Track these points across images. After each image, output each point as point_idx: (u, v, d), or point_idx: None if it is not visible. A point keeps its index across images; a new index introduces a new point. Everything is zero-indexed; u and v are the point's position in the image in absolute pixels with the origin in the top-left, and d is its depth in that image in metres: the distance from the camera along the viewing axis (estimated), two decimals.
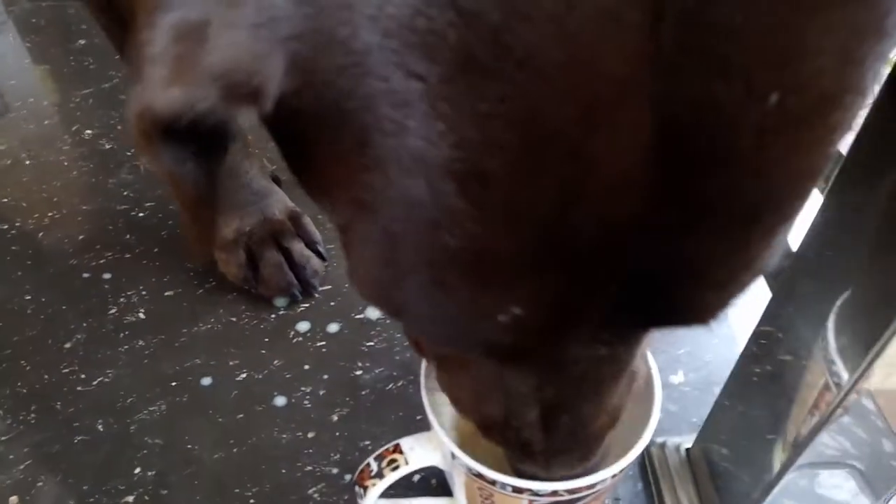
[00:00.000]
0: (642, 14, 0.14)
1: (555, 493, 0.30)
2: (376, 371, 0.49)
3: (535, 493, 0.30)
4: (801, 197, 0.19)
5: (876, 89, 0.22)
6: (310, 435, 0.45)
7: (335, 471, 0.44)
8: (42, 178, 0.62)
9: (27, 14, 0.82)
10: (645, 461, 0.44)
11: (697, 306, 0.21)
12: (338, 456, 0.44)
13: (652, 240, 0.18)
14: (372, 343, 0.50)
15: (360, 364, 0.49)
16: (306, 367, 0.49)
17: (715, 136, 0.16)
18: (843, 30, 0.15)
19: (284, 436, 0.45)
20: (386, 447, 0.34)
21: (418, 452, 0.33)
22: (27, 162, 0.63)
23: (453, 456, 0.31)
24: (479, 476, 0.31)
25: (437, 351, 0.29)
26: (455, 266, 0.19)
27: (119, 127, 0.66)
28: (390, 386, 0.48)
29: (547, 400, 0.26)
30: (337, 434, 0.45)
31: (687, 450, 0.42)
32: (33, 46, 0.77)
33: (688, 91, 0.15)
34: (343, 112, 0.17)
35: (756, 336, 0.34)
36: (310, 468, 0.44)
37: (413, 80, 0.15)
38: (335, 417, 0.46)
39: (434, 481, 0.42)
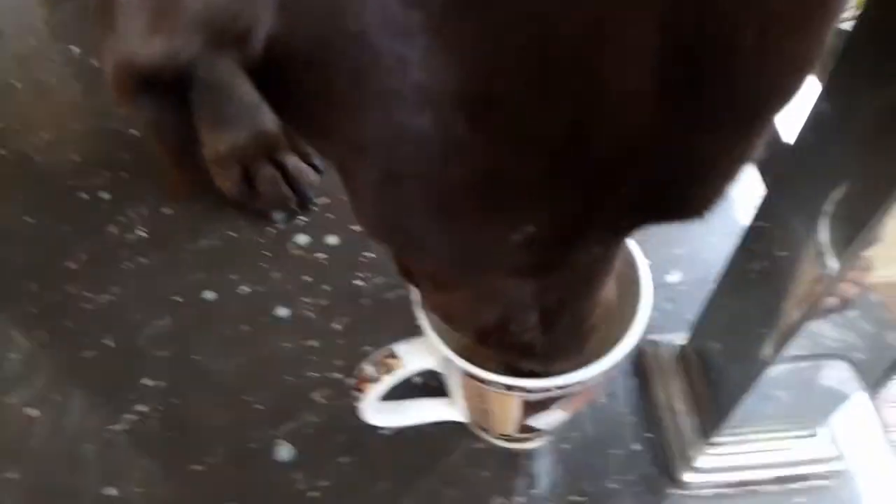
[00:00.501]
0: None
1: (546, 389, 0.31)
2: (376, 281, 0.49)
3: (527, 391, 0.31)
4: (798, 86, 0.19)
5: None
6: (313, 343, 0.47)
7: (338, 376, 0.45)
8: (33, 100, 0.61)
9: None
10: (639, 359, 0.45)
11: (696, 201, 0.21)
12: (341, 362, 0.46)
13: (659, 146, 0.18)
14: (371, 254, 0.51)
15: (359, 274, 0.50)
16: (307, 278, 0.50)
17: (718, 37, 0.16)
18: None
19: (288, 345, 0.47)
20: (381, 352, 0.35)
21: (413, 357, 0.34)
22: (18, 85, 0.63)
23: (447, 360, 0.32)
24: (472, 377, 0.31)
25: (436, 280, 0.29)
26: (466, 195, 0.19)
27: None
28: (390, 294, 0.49)
29: (548, 303, 0.27)
30: (339, 342, 0.47)
31: (681, 347, 0.43)
32: None
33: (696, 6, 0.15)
34: (336, 50, 0.16)
35: (750, 232, 0.34)
36: (313, 374, 0.45)
37: (412, 9, 0.15)
38: (337, 326, 0.47)
39: (435, 384, 0.44)
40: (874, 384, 0.39)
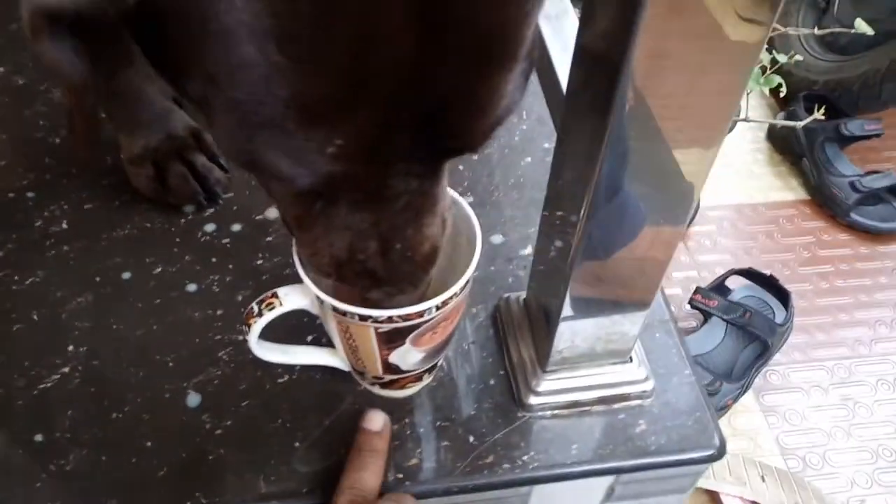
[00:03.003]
0: None
1: (390, 318, 0.39)
2: (274, 260, 0.57)
3: (375, 320, 0.39)
4: (518, 38, 0.27)
5: None
6: (218, 312, 0.54)
7: (240, 338, 0.52)
8: None
9: None
10: (495, 312, 0.54)
11: (468, 134, 0.30)
12: (242, 326, 0.53)
13: (424, 77, 0.26)
14: (270, 238, 0.59)
15: (260, 255, 0.58)
16: (213, 259, 0.57)
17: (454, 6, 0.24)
18: None
19: (197, 314, 0.54)
20: (265, 294, 0.43)
21: (291, 297, 0.42)
22: None
23: (318, 299, 0.40)
24: (336, 310, 0.40)
25: (293, 212, 0.37)
26: (287, 112, 0.26)
27: (30, 64, 0.72)
28: (287, 271, 0.56)
29: (383, 232, 0.34)
30: (241, 309, 0.54)
31: (524, 300, 0.53)
32: None
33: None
34: (188, 3, 0.24)
35: (548, 216, 0.44)
36: (219, 337, 0.53)
37: None
38: (239, 297, 0.55)
39: (324, 342, 0.51)
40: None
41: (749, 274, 1.22)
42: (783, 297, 1.20)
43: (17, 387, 0.50)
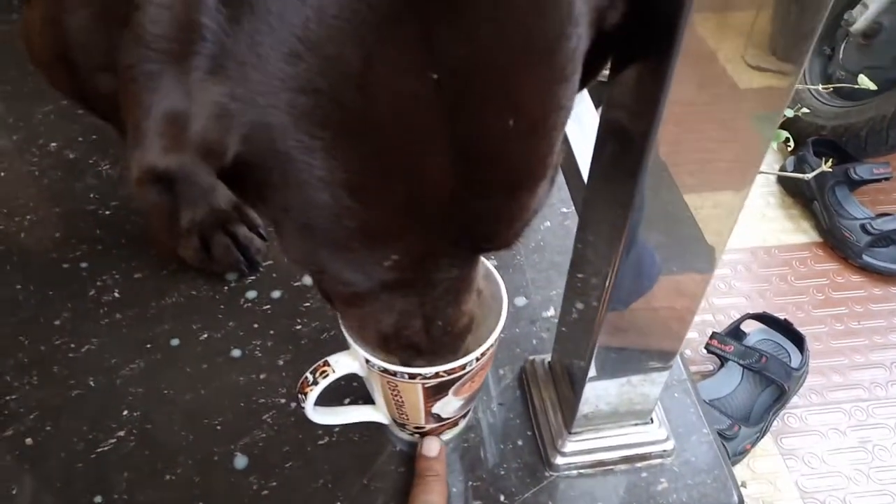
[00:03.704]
0: (438, 109, 0.27)
1: (437, 374, 0.43)
2: (312, 325, 0.61)
3: (424, 377, 0.43)
4: (544, 166, 0.32)
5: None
6: (262, 376, 0.58)
7: (283, 401, 0.56)
8: (17, 187, 0.72)
9: None
10: (521, 374, 0.57)
11: (500, 238, 0.34)
12: (284, 390, 0.57)
13: (464, 205, 0.31)
14: (308, 304, 0.62)
15: (299, 321, 0.61)
16: (255, 325, 0.61)
17: (485, 145, 0.29)
18: (538, 95, 0.28)
19: (241, 378, 0.58)
20: (318, 363, 0.46)
21: (342, 363, 0.46)
22: (2, 174, 0.73)
23: (367, 361, 0.44)
24: (385, 371, 0.43)
25: (345, 299, 0.41)
26: (353, 237, 0.31)
27: (80, 139, 0.77)
28: (324, 335, 0.60)
29: (426, 312, 0.39)
30: (283, 374, 0.58)
31: (549, 363, 0.56)
32: None
33: (467, 130, 0.28)
34: (274, 161, 0.28)
35: (570, 279, 0.48)
36: (262, 400, 0.56)
37: (315, 139, 0.27)
38: (281, 362, 0.59)
39: (361, 402, 0.55)
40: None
41: (764, 318, 1.24)
42: (798, 340, 1.22)
43: (76, 450, 0.54)
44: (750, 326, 1.26)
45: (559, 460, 0.52)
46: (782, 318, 1.23)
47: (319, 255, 0.32)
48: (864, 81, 1.11)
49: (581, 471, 0.53)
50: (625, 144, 0.36)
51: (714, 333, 1.19)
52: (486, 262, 0.47)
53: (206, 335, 0.60)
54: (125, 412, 0.56)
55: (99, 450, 0.54)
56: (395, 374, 0.43)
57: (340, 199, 0.29)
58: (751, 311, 1.26)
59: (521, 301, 0.63)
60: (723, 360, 1.20)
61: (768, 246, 1.47)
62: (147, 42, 0.26)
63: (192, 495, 0.51)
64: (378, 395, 0.48)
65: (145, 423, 0.55)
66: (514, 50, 0.27)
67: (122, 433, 0.54)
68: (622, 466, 0.53)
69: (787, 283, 1.41)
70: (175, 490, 0.52)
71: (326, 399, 0.51)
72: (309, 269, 0.34)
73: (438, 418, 0.48)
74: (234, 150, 0.28)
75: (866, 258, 1.41)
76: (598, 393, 0.49)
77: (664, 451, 0.53)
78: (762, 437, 1.15)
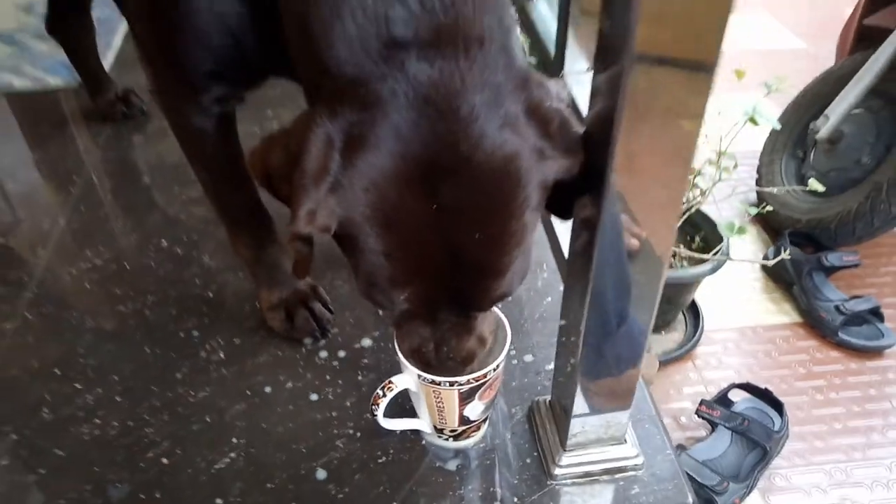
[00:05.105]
0: (438, 230, 0.49)
1: (469, 381, 0.63)
2: (370, 376, 0.81)
3: (460, 384, 0.63)
4: (500, 267, 0.53)
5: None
6: (334, 414, 0.77)
7: (350, 431, 0.75)
8: (140, 276, 0.94)
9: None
10: (529, 411, 0.76)
11: (476, 306, 0.56)
12: (352, 423, 0.76)
13: (453, 280, 0.52)
14: (366, 360, 0.82)
15: (359, 373, 0.81)
16: (327, 377, 0.81)
17: (463, 248, 0.51)
18: (496, 225, 0.51)
19: (318, 415, 0.77)
20: (385, 382, 0.66)
21: (401, 380, 0.66)
22: (128, 267, 0.95)
23: (419, 376, 0.64)
24: (432, 382, 0.63)
25: (391, 319, 0.62)
26: (385, 281, 0.52)
27: (185, 238, 0.99)
28: (378, 382, 0.80)
29: (436, 340, 0.59)
30: (350, 412, 0.77)
31: (549, 402, 0.75)
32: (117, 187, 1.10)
33: (453, 238, 0.50)
34: (354, 236, 0.51)
35: (559, 339, 0.68)
36: (335, 431, 0.75)
37: (373, 229, 0.50)
38: (347, 403, 0.78)
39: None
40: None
41: (748, 387, 1.41)
42: (778, 406, 1.38)
43: (199, 467, 0.73)
44: (737, 396, 1.43)
45: (557, 472, 0.70)
46: (763, 387, 1.40)
47: (371, 290, 0.54)
48: (814, 184, 1.32)
49: (574, 480, 0.71)
50: (587, 235, 0.57)
51: (703, 400, 1.35)
52: (500, 314, 0.68)
53: (290, 384, 0.80)
54: (234, 440, 0.75)
55: (216, 467, 0.73)
56: (439, 383, 0.63)
57: (381, 260, 0.51)
58: (736, 382, 1.43)
59: (528, 357, 0.83)
60: (713, 426, 1.36)
61: (754, 326, 1.65)
62: (304, 173, 0.48)
63: (286, 499, 0.70)
64: (423, 406, 0.67)
65: (249, 447, 0.74)
66: (484, 199, 0.50)
67: (233, 454, 0.73)
68: (604, 477, 0.71)
69: (772, 358, 1.59)
70: (275, 496, 0.70)
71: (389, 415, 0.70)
72: (367, 298, 0.55)
73: (467, 421, 0.68)
74: (335, 229, 0.51)
75: (842, 336, 1.58)
76: (584, 423, 0.68)
77: (636, 465, 0.71)
78: (749, 492, 1.29)
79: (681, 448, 1.31)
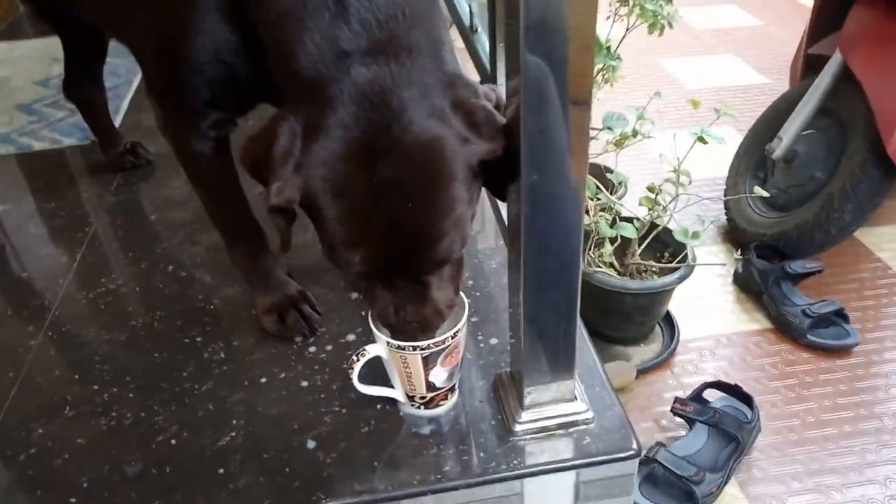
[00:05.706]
0: (378, 198, 0.62)
1: (429, 346, 0.73)
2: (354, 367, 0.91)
3: (422, 348, 0.73)
4: (434, 235, 0.65)
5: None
6: (322, 396, 0.87)
7: (336, 409, 0.85)
8: (149, 295, 1.06)
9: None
10: (494, 382, 0.86)
11: (416, 269, 0.68)
12: (338, 402, 0.86)
13: (395, 243, 0.64)
14: (351, 352, 0.92)
15: (344, 363, 0.91)
16: (316, 367, 0.91)
17: (400, 215, 0.63)
18: (428, 195, 0.64)
19: (308, 398, 0.87)
20: (358, 350, 0.77)
21: (373, 348, 0.77)
22: (137, 289, 1.07)
23: (387, 343, 0.74)
24: (399, 347, 0.73)
25: (349, 282, 0.76)
26: (342, 244, 0.65)
27: (189, 263, 1.11)
28: (363, 371, 0.90)
29: (395, 305, 0.70)
30: (336, 394, 0.87)
31: (510, 373, 0.85)
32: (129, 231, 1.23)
33: (390, 206, 0.62)
34: (315, 206, 0.63)
35: (511, 316, 0.79)
36: (323, 409, 0.86)
37: (327, 199, 0.62)
38: (334, 387, 0.88)
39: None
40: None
41: (719, 385, 1.50)
42: (748, 401, 1.47)
43: (203, 445, 0.83)
44: (711, 395, 1.51)
45: (518, 428, 0.80)
46: (733, 384, 1.49)
47: (332, 252, 0.65)
48: (758, 191, 1.44)
49: (532, 435, 0.81)
50: (515, 208, 0.68)
51: (677, 398, 1.44)
52: (463, 297, 0.79)
53: (283, 374, 0.91)
54: (234, 422, 0.85)
55: (220, 443, 0.83)
56: (404, 348, 0.73)
57: (335, 226, 0.63)
58: (708, 381, 1.52)
59: (494, 340, 0.93)
60: (690, 423, 1.45)
61: (728, 333, 1.75)
62: (274, 158, 0.61)
63: (281, 465, 0.80)
64: (395, 374, 0.78)
65: (248, 427, 0.84)
66: (414, 173, 0.62)
67: (233, 433, 0.84)
68: (559, 431, 0.81)
69: (746, 362, 1.67)
70: (272, 464, 0.80)
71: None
72: (330, 261, 0.66)
73: (433, 387, 0.78)
74: (300, 200, 0.63)
75: (811, 337, 1.68)
76: (537, 387, 0.78)
77: (586, 419, 0.81)
78: (726, 482, 1.37)
79: (660, 445, 1.39)
